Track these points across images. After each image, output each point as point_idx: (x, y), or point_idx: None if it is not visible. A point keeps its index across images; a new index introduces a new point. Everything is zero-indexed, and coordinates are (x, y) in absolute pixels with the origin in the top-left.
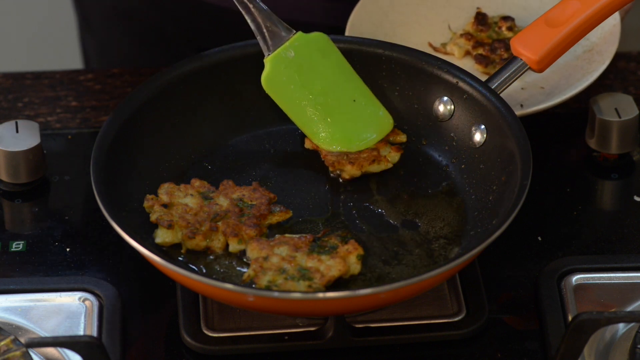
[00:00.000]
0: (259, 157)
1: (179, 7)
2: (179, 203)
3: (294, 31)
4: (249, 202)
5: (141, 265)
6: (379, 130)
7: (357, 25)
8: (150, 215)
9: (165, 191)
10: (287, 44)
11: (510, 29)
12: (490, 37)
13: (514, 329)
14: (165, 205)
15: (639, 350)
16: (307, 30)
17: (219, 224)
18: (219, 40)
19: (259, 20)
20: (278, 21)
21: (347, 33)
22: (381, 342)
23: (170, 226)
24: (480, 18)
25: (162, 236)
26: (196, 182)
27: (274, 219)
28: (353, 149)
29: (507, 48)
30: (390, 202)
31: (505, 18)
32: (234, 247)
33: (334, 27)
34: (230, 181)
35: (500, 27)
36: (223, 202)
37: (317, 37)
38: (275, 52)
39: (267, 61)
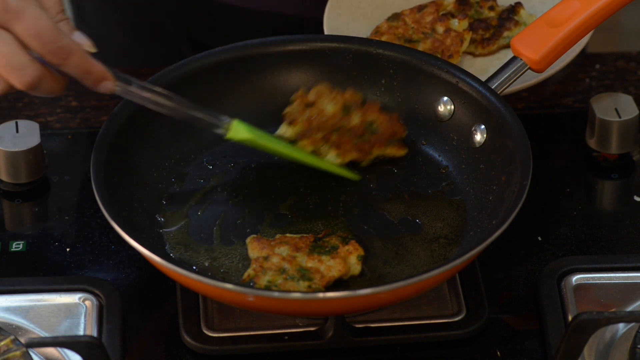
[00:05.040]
0: (259, 157)
1: (177, 2)
2: (318, 106)
3: (227, 120)
4: (376, 129)
5: (141, 265)
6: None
7: (336, 6)
8: (287, 108)
9: (317, 90)
10: (228, 138)
11: (491, 8)
12: (472, 17)
13: (514, 329)
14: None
15: (639, 350)
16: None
17: (334, 134)
18: (217, 37)
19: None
20: (211, 116)
21: (326, 13)
22: (381, 342)
23: (291, 122)
24: None
25: (282, 129)
26: (348, 93)
27: (388, 151)
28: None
29: (488, 28)
30: (390, 202)
31: None
32: (331, 157)
33: (312, 18)
34: (378, 104)
35: (481, 7)
36: (356, 118)
37: (244, 138)
38: (228, 137)
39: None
